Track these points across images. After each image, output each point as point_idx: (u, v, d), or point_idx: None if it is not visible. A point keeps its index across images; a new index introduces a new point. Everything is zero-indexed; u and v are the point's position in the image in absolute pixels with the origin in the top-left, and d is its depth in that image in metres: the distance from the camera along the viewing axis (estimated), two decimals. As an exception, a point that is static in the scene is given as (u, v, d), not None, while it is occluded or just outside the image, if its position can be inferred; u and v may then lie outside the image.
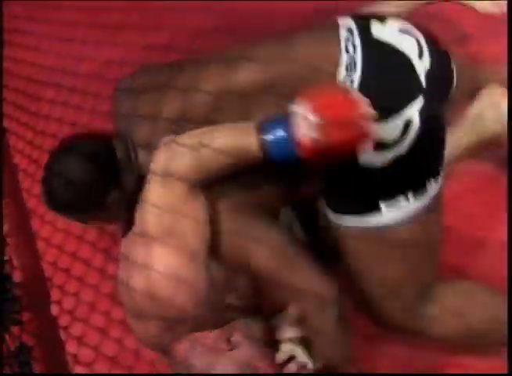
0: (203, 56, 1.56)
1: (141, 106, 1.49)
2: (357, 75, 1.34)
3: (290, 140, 1.22)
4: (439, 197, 1.46)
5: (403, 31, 1.40)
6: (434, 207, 1.46)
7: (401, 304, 1.52)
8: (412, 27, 1.43)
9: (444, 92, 1.46)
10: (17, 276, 2.05)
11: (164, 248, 1.25)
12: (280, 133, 1.23)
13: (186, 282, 1.25)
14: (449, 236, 1.69)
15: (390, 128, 1.33)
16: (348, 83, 1.33)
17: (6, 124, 2.48)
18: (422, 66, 1.37)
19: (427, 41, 1.41)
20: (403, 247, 1.47)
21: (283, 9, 2.26)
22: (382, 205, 1.41)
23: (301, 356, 1.34)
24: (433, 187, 1.43)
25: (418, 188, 1.41)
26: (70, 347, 2.03)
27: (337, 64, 1.35)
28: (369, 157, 1.35)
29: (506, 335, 1.48)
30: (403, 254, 1.47)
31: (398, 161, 1.36)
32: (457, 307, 1.55)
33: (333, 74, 1.34)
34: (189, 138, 1.31)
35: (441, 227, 1.54)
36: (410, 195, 1.40)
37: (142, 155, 1.42)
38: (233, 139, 1.29)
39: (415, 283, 1.52)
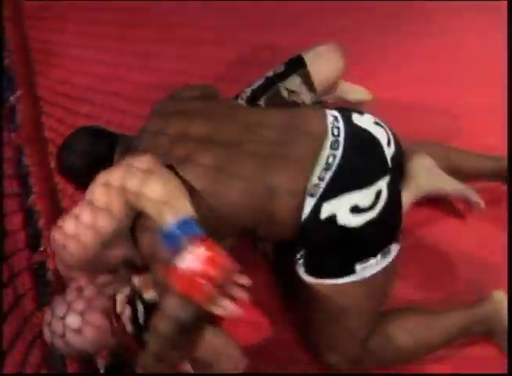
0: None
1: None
2: (339, 152, 1.57)
3: (178, 247, 1.35)
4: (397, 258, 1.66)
5: (376, 123, 1.67)
6: (392, 267, 1.67)
7: (345, 358, 1.70)
8: (382, 122, 1.71)
9: (400, 172, 1.73)
10: (52, 264, 2.11)
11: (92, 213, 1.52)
12: (176, 239, 1.36)
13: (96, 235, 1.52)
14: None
15: (366, 195, 1.55)
16: (330, 159, 1.55)
17: (48, 134, 2.76)
18: (389, 151, 1.64)
19: (393, 134, 1.69)
20: (363, 300, 1.64)
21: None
22: (357, 267, 1.59)
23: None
24: (395, 249, 1.65)
25: (385, 249, 1.62)
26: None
27: (322, 144, 1.57)
28: (349, 219, 1.54)
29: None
30: (360, 307, 1.65)
31: (371, 223, 1.56)
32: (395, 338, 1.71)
33: (319, 153, 1.56)
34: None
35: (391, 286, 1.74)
36: (379, 255, 1.61)
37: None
38: (158, 204, 1.43)
39: (362, 333, 1.68)
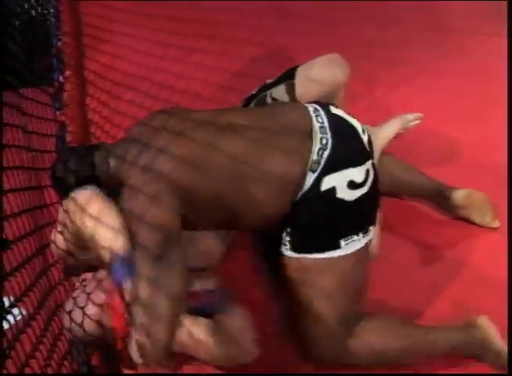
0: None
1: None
2: (329, 135, 1.68)
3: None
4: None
5: (349, 115, 1.77)
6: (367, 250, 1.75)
7: (331, 344, 1.75)
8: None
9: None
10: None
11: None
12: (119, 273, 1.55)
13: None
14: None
15: (360, 172, 1.66)
16: (324, 141, 1.67)
17: (90, 115, 2.91)
18: (365, 138, 1.74)
19: (364, 125, 1.80)
20: (347, 276, 1.70)
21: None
22: (342, 242, 1.68)
23: None
24: (372, 231, 1.75)
25: (366, 228, 1.72)
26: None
27: (310, 128, 1.68)
28: (346, 193, 1.64)
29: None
30: (345, 283, 1.70)
31: (362, 198, 1.67)
32: (372, 343, 1.75)
33: (310, 139, 1.66)
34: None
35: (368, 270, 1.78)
36: (361, 233, 1.70)
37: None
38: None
39: (345, 316, 1.73)
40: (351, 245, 1.69)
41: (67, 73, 2.95)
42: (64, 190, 1.73)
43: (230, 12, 3.22)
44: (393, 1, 3.02)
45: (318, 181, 1.64)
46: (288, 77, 2.01)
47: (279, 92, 1.98)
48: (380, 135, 2.14)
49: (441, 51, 2.84)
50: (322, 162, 1.64)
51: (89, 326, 1.70)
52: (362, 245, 1.71)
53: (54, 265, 1.96)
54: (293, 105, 1.87)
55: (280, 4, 3.17)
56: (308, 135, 1.68)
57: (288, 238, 1.71)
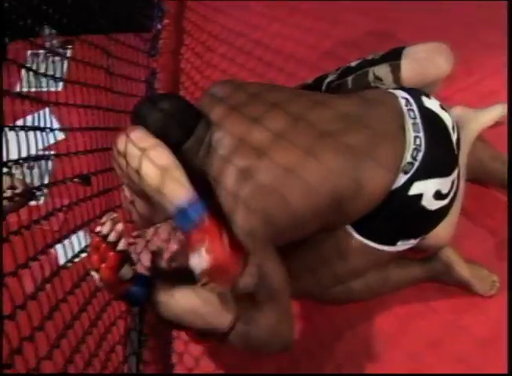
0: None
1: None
2: (421, 134, 1.61)
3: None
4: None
5: (442, 107, 1.70)
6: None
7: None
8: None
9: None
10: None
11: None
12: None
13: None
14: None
15: (447, 182, 1.64)
16: (418, 141, 1.60)
17: (182, 65, 2.95)
18: (454, 137, 1.68)
19: (453, 119, 1.73)
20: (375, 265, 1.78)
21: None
22: (399, 242, 1.70)
23: None
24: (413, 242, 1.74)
25: (426, 235, 1.75)
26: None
27: (402, 124, 1.62)
28: (430, 202, 1.62)
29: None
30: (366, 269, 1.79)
31: (441, 210, 1.67)
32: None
33: (404, 133, 1.61)
34: None
35: None
36: (419, 238, 1.73)
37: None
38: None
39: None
40: (402, 246, 1.72)
41: (166, 21, 2.99)
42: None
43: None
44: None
45: (407, 184, 1.60)
46: (393, 57, 1.92)
47: (383, 72, 1.90)
48: (480, 120, 2.05)
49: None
50: (416, 165, 1.60)
51: None
52: (410, 246, 1.74)
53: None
54: (383, 96, 1.76)
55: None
56: (400, 132, 1.62)
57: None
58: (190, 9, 3.18)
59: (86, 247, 1.73)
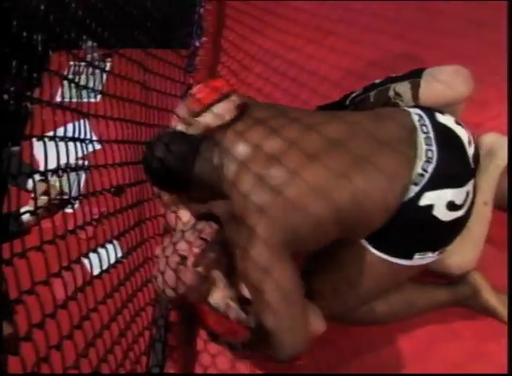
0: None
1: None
2: (434, 148, 1.64)
3: None
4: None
5: (457, 123, 1.72)
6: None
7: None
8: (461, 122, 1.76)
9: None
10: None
11: None
12: None
13: None
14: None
15: (461, 193, 1.65)
16: (430, 153, 1.62)
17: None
18: (471, 151, 1.70)
19: (470, 134, 1.75)
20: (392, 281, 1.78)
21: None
22: (416, 256, 1.69)
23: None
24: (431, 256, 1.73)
25: (445, 248, 1.74)
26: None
27: (415, 139, 1.65)
28: (443, 213, 1.63)
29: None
30: (383, 285, 1.78)
31: (456, 221, 1.67)
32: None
33: (416, 147, 1.64)
34: None
35: None
36: (437, 252, 1.72)
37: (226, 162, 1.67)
38: None
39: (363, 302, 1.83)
40: (420, 260, 1.71)
41: (204, 39, 3.04)
42: (156, 172, 1.72)
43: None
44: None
45: (418, 195, 1.62)
46: (414, 75, 1.98)
47: (403, 88, 1.96)
48: None
49: None
50: (427, 176, 1.62)
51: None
52: (429, 261, 1.73)
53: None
54: (397, 112, 1.81)
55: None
56: (412, 146, 1.64)
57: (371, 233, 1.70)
58: (228, 28, 3.24)
59: (120, 257, 1.77)
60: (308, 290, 1.73)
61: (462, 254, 1.84)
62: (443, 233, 1.71)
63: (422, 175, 1.61)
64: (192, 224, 1.85)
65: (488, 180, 1.95)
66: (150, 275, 1.88)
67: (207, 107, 1.79)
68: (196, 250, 1.74)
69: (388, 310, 1.87)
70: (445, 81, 1.90)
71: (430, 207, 1.61)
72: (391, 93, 1.96)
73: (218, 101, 1.79)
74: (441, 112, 1.77)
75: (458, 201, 1.64)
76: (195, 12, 3.14)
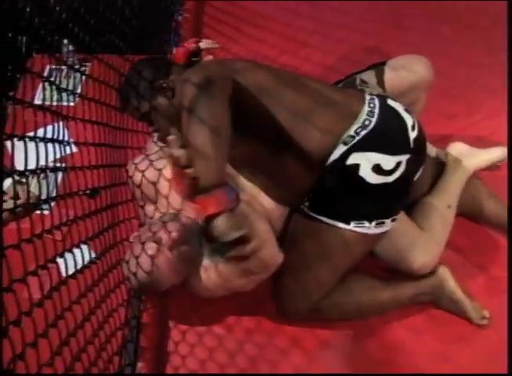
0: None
1: None
2: (374, 119, 1.80)
3: None
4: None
5: (406, 110, 1.87)
6: (375, 242, 1.87)
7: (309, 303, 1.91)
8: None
9: (422, 157, 1.91)
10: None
11: None
12: None
13: None
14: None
15: (389, 161, 1.77)
16: (367, 122, 1.79)
17: None
18: (413, 134, 1.83)
19: (418, 122, 1.89)
20: (338, 247, 1.84)
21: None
22: (352, 223, 1.80)
23: None
24: (388, 225, 1.84)
25: (382, 219, 1.83)
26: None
27: (360, 109, 1.82)
28: (369, 174, 1.76)
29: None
30: (333, 254, 1.85)
31: (384, 186, 1.78)
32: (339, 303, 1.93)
33: (357, 114, 1.80)
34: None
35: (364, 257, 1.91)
36: (373, 222, 1.81)
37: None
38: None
39: (327, 286, 1.90)
40: (359, 228, 1.80)
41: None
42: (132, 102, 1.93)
43: (346, 14, 3.30)
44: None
45: (346, 154, 1.77)
46: (378, 64, 2.15)
47: (368, 75, 2.12)
48: (479, 158, 2.15)
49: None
50: (356, 139, 1.77)
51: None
52: (370, 233, 1.81)
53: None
54: (354, 91, 2.02)
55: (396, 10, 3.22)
56: (354, 114, 1.81)
57: (309, 197, 1.85)
58: (205, 36, 3.26)
59: (94, 258, 1.80)
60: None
61: (425, 251, 1.92)
62: (372, 198, 1.80)
63: (353, 137, 1.77)
64: (170, 213, 1.89)
65: (454, 185, 2.04)
66: (123, 277, 1.89)
67: None
68: (173, 234, 1.77)
69: (355, 306, 1.96)
70: (407, 67, 2.08)
71: (356, 166, 1.76)
72: (358, 81, 2.11)
73: None
74: (394, 99, 1.91)
75: (385, 167, 1.76)
76: (173, 19, 3.17)
